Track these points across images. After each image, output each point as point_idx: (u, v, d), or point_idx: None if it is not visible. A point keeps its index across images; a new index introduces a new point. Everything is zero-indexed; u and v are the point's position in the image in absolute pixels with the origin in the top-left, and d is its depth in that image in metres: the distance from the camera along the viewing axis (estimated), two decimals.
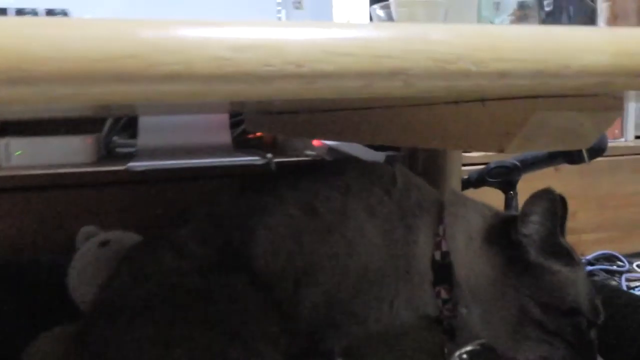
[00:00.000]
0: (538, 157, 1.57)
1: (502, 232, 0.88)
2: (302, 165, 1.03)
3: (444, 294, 0.90)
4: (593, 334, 0.86)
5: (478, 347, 1.01)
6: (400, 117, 0.85)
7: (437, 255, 0.90)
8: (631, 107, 2.17)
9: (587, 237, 1.90)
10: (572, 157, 1.51)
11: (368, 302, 0.90)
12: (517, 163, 1.59)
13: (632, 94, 0.65)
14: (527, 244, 0.86)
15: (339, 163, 0.99)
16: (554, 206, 0.84)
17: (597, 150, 1.50)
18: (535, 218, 0.85)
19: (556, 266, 0.85)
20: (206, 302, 0.84)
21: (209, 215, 0.96)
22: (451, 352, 1.00)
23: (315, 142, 1.54)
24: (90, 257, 1.15)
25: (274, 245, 0.90)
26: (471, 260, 0.89)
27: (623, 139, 2.12)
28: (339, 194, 0.92)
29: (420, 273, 0.91)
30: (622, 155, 1.99)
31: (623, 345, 0.97)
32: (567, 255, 0.86)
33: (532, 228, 0.85)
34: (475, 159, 1.75)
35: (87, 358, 0.83)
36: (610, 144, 1.60)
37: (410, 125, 0.83)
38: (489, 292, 0.88)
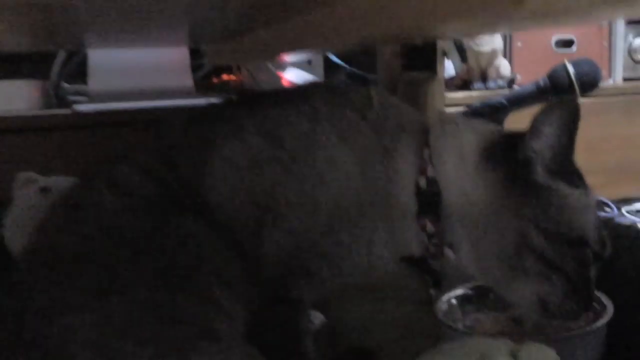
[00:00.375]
0: (525, 93, 1.46)
1: (504, 149, 0.76)
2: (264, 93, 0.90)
3: (429, 227, 0.78)
4: (594, 270, 0.76)
5: (469, 292, 0.91)
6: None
7: (422, 182, 0.78)
8: (619, 49, 2.07)
9: None
10: (563, 93, 1.39)
11: (342, 241, 0.78)
12: (504, 101, 1.47)
13: None
14: (535, 162, 0.74)
15: (306, 87, 0.86)
16: (575, 118, 0.72)
17: (590, 83, 1.38)
18: (549, 130, 0.72)
19: (566, 189, 0.74)
20: (151, 244, 0.72)
21: (154, 149, 0.83)
22: (438, 298, 0.89)
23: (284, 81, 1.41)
24: (29, 205, 1.03)
25: (231, 179, 0.78)
26: (464, 183, 0.77)
27: (611, 80, 2.02)
28: (306, 119, 0.79)
29: (401, 204, 0.78)
30: (612, 95, 1.89)
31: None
32: (578, 177, 0.75)
33: (545, 142, 0.73)
34: (459, 100, 1.64)
35: (17, 309, 0.70)
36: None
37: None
38: (484, 219, 0.76)
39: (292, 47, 0.97)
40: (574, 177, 0.75)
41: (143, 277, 0.69)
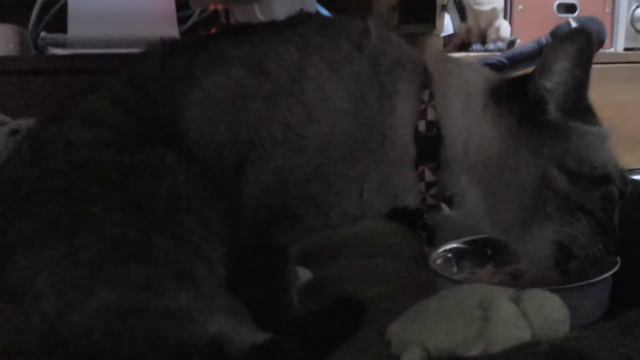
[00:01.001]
0: (526, 52, 1.41)
1: (513, 90, 0.70)
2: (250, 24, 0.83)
3: (428, 176, 0.72)
4: (618, 209, 0.71)
5: (465, 246, 0.85)
6: None
7: (422, 126, 0.72)
8: (622, 16, 2.01)
9: None
10: None
11: (331, 184, 0.72)
12: (504, 60, 1.42)
13: None
14: (548, 100, 0.68)
15: (297, 16, 0.79)
16: (589, 49, 0.66)
17: (595, 41, 1.33)
18: (562, 65, 0.66)
19: (582, 126, 0.68)
20: (123, 179, 0.66)
21: (128, 80, 0.76)
22: (432, 252, 0.84)
23: None
24: None
25: (212, 113, 0.72)
26: (471, 127, 0.71)
27: (612, 49, 1.96)
28: (295, 49, 0.73)
29: (398, 148, 0.72)
30: (613, 63, 1.83)
31: None
32: (592, 114, 0.70)
33: (558, 79, 0.67)
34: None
35: None
36: (599, 52, 1.44)
37: None
38: (498, 164, 0.70)
39: None
40: (589, 114, 0.70)
41: (114, 213, 0.63)
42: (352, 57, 0.73)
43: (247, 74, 0.72)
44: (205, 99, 0.72)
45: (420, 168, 0.72)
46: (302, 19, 0.78)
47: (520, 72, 0.90)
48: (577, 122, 0.69)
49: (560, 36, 0.68)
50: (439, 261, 0.83)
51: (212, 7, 1.40)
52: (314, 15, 0.80)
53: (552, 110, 0.68)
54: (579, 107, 0.69)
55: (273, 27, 0.78)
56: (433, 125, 0.72)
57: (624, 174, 0.71)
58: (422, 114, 0.72)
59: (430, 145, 0.72)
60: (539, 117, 0.68)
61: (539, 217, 0.68)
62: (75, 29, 1.40)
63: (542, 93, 0.68)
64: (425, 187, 0.73)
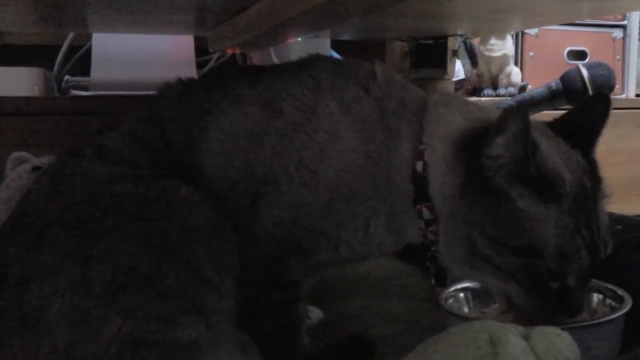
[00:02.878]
0: (537, 96, 1.42)
1: (475, 143, 0.69)
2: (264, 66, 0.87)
3: (426, 214, 0.73)
4: (572, 280, 0.68)
5: (476, 285, 0.85)
6: None
7: (419, 167, 0.73)
8: (632, 63, 2.04)
9: None
10: (577, 96, 1.35)
11: (341, 220, 0.74)
12: (515, 104, 1.44)
13: None
14: (491, 168, 0.67)
15: (308, 58, 0.83)
16: (525, 128, 0.65)
17: (604, 87, 1.35)
18: (501, 140, 0.66)
19: (520, 197, 0.67)
20: (139, 211, 0.68)
21: (145, 118, 0.79)
22: (443, 291, 0.84)
23: None
24: (20, 184, 0.99)
25: (229, 150, 0.75)
26: (443, 173, 0.72)
27: (623, 95, 1.98)
28: (307, 90, 0.76)
29: (400, 187, 0.74)
30: (624, 108, 1.85)
31: None
32: (546, 186, 0.67)
33: (499, 150, 0.66)
34: None
35: None
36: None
37: None
38: (450, 216, 0.71)
39: (302, 29, 0.94)
40: (541, 186, 0.67)
41: (128, 244, 0.65)
42: (360, 98, 0.75)
43: (261, 112, 0.75)
44: (222, 135, 0.75)
45: (419, 207, 0.73)
46: (313, 60, 0.81)
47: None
48: (518, 192, 0.67)
49: (505, 111, 0.67)
50: (449, 301, 0.83)
51: (229, 51, 1.45)
52: (324, 57, 0.83)
53: (495, 177, 0.67)
54: (525, 179, 0.67)
55: (285, 68, 0.81)
56: (427, 166, 0.73)
57: (567, 254, 0.66)
58: (421, 155, 0.74)
59: (426, 185, 0.73)
60: (483, 181, 0.68)
61: (480, 271, 0.69)
62: (98, 72, 1.45)
63: (486, 161, 0.67)
64: (425, 224, 0.74)
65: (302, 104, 0.75)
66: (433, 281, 0.81)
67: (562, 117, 0.75)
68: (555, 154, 0.69)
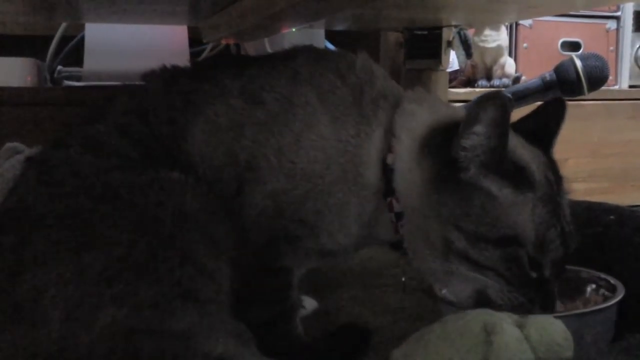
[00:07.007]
0: (531, 88, 1.42)
1: (443, 139, 0.70)
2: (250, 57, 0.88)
3: (396, 206, 0.73)
4: (547, 270, 0.68)
5: None
6: None
7: (390, 159, 0.73)
8: (626, 54, 2.04)
9: (577, 187, 1.76)
10: (570, 87, 1.35)
11: (318, 210, 0.74)
12: (509, 95, 1.44)
13: None
14: (465, 159, 0.68)
15: (291, 50, 0.83)
16: (504, 115, 0.66)
17: (598, 78, 1.35)
18: (479, 129, 0.66)
19: (495, 187, 0.67)
20: (130, 197, 0.68)
21: (133, 109, 0.79)
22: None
23: None
24: (13, 174, 0.98)
25: (213, 138, 0.75)
26: (409, 167, 0.72)
27: (617, 86, 1.98)
28: (286, 81, 0.77)
29: (370, 180, 0.74)
30: (617, 99, 1.86)
31: None
32: (519, 176, 0.68)
33: (475, 140, 0.67)
34: (463, 96, 1.60)
35: None
36: (604, 89, 1.46)
37: None
38: (416, 217, 0.71)
39: (293, 20, 0.94)
40: (515, 175, 0.68)
41: (121, 233, 0.65)
42: (337, 87, 0.76)
43: (244, 103, 0.76)
44: (207, 125, 0.76)
45: (389, 199, 0.74)
46: (295, 52, 0.82)
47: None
48: (493, 181, 0.67)
49: (479, 100, 0.68)
50: (444, 290, 0.84)
51: (224, 42, 1.45)
52: (307, 48, 0.84)
53: (470, 168, 0.68)
54: (502, 168, 0.67)
55: (269, 59, 0.83)
56: (395, 158, 0.73)
57: (546, 241, 0.67)
58: (392, 148, 0.74)
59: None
60: (454, 175, 0.68)
61: (452, 269, 0.68)
62: (91, 62, 1.44)
63: (459, 152, 0.68)
64: (395, 217, 0.74)
65: (281, 95, 0.76)
66: (404, 280, 0.81)
67: (521, 119, 0.77)
68: (521, 147, 0.71)
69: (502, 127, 0.66)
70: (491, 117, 0.66)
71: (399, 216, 0.73)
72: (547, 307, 0.68)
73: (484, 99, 0.67)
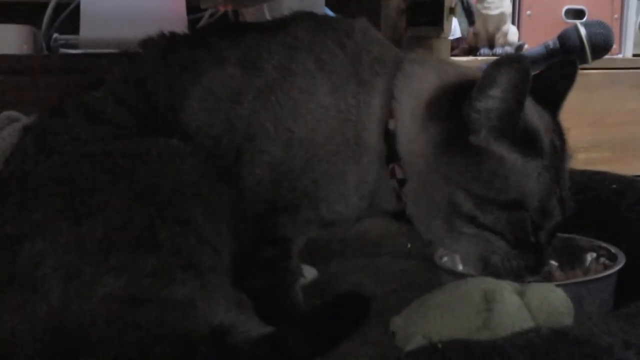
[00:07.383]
0: (534, 55, 1.40)
1: (453, 99, 0.68)
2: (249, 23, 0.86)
3: (399, 173, 0.72)
4: (543, 236, 0.69)
5: None
6: None
7: (392, 124, 0.72)
8: (630, 22, 2.01)
9: (579, 157, 1.75)
10: (574, 55, 1.33)
11: (317, 180, 0.74)
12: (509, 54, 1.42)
13: None
14: (477, 122, 0.67)
15: (291, 17, 0.81)
16: (524, 79, 0.64)
17: (602, 46, 1.33)
18: (495, 92, 0.65)
19: (506, 152, 0.67)
20: (129, 166, 0.67)
21: (129, 76, 0.78)
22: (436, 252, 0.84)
23: None
24: (11, 143, 0.97)
25: (210, 106, 0.74)
26: (414, 130, 0.71)
27: (621, 55, 1.96)
28: (285, 48, 0.75)
29: (371, 146, 0.73)
30: (621, 68, 1.84)
31: None
32: (529, 141, 0.67)
33: (490, 103, 0.66)
34: (463, 64, 1.58)
35: None
36: (607, 57, 1.44)
37: None
38: (422, 179, 0.70)
39: None
40: (525, 141, 0.67)
41: (121, 201, 0.64)
42: (336, 54, 0.75)
43: (242, 71, 0.75)
44: (204, 94, 0.75)
45: (391, 165, 0.73)
46: (295, 19, 0.80)
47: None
48: (504, 146, 0.67)
49: (497, 62, 0.66)
50: (444, 258, 0.83)
51: (221, 8, 1.42)
52: (307, 14, 0.82)
53: (482, 133, 0.67)
54: (513, 133, 0.67)
55: (268, 27, 0.81)
56: (397, 123, 0.72)
57: (549, 209, 0.68)
58: (393, 113, 0.72)
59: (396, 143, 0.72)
60: (464, 138, 0.67)
61: (458, 234, 0.68)
62: (87, 30, 1.42)
63: (472, 115, 0.67)
64: (398, 183, 0.73)
65: (279, 63, 0.74)
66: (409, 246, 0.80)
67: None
68: (533, 111, 0.70)
69: (520, 92, 0.65)
70: (510, 81, 0.64)
71: (401, 183, 0.73)
72: (536, 271, 0.68)
73: (504, 61, 0.65)
